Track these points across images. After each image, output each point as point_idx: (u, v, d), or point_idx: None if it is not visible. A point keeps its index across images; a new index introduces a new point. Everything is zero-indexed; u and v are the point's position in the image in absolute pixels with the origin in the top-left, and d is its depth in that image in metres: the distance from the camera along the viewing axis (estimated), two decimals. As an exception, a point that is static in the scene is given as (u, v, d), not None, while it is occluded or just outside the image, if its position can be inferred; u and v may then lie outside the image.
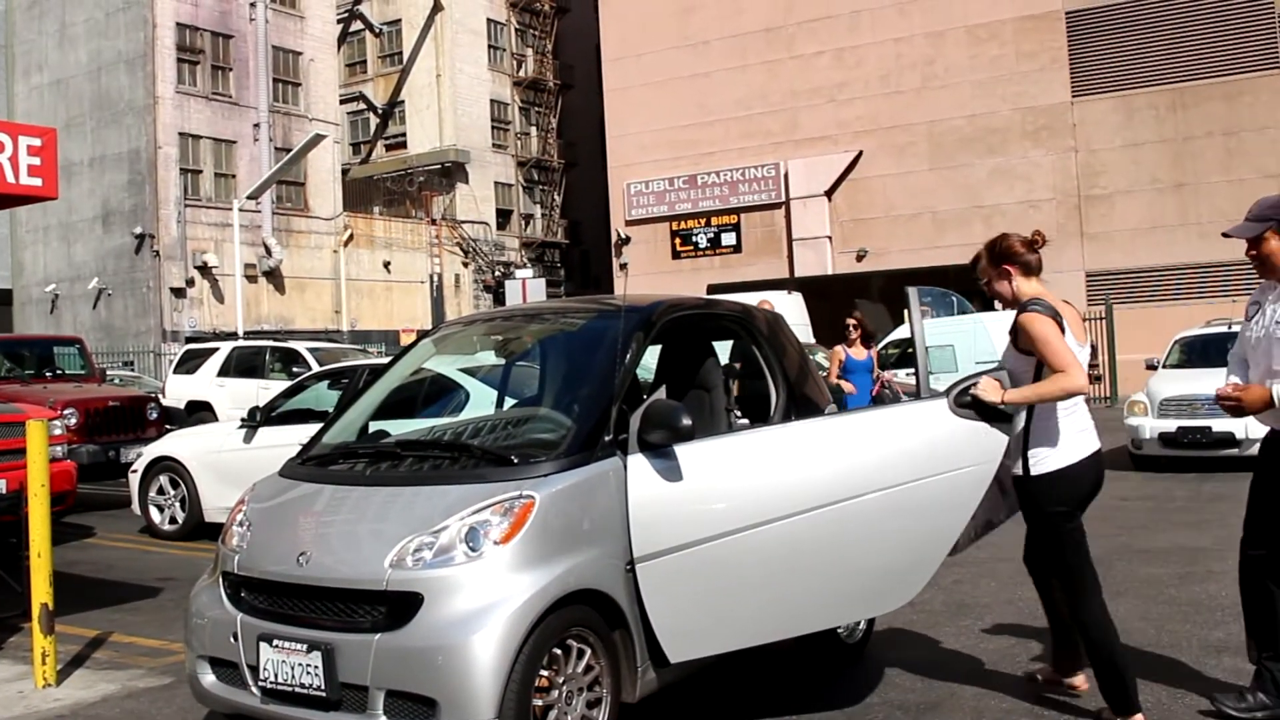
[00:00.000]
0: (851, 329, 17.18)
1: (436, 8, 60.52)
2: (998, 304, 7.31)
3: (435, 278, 57.81)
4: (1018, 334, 6.82)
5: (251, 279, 47.27)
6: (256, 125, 49.58)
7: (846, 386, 16.66)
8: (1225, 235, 7.25)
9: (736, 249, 50.22)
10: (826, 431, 6.93)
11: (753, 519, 6.45)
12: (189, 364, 28.94)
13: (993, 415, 6.70)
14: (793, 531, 6.49)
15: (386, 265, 55.62)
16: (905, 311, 7.20)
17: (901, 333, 27.24)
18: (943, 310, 30.65)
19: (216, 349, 29.21)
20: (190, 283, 46.55)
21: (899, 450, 6.71)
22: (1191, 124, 41.92)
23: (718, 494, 6.53)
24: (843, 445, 6.74)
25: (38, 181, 9.83)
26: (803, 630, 6.86)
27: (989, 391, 6.65)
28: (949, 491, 6.67)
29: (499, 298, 56.00)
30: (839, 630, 8.11)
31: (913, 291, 7.16)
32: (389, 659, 5.70)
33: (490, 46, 64.01)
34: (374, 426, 7.89)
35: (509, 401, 8.56)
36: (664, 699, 6.91)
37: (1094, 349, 34.01)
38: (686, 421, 6.32)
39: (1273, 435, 7.01)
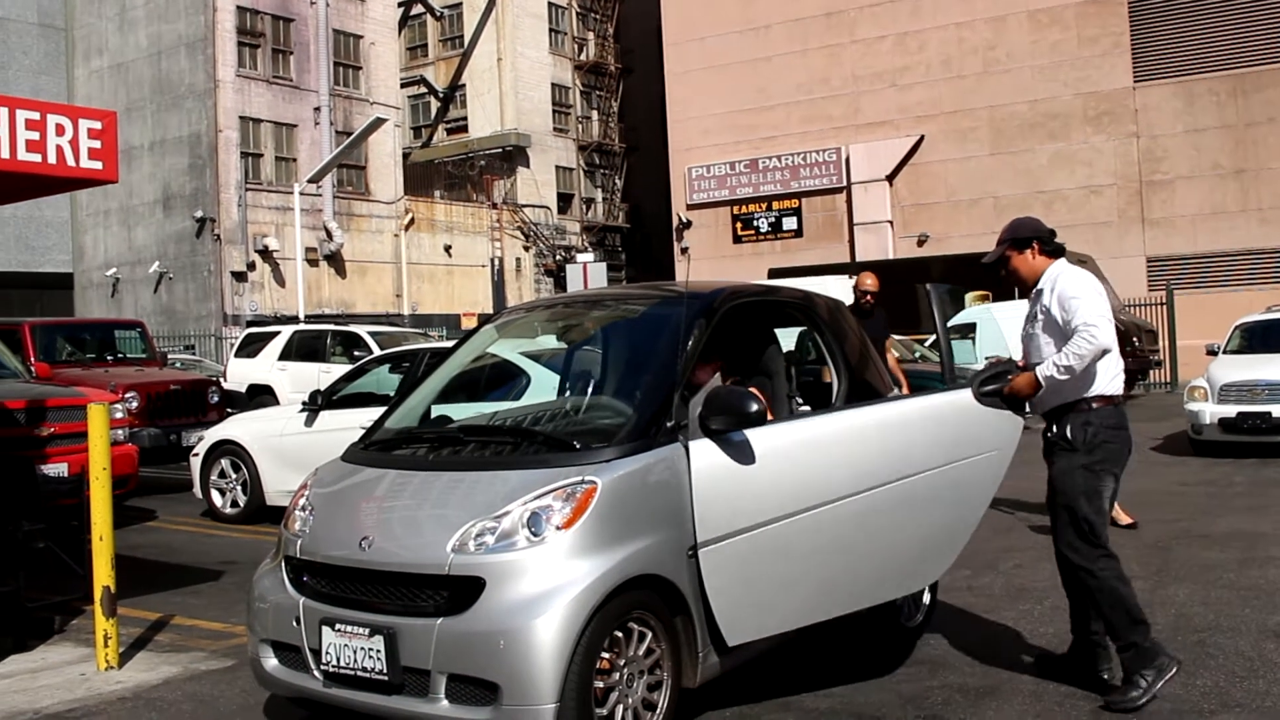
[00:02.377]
0: None
1: (497, -8, 60.47)
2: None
3: (496, 262, 57.90)
4: None
5: (312, 263, 47.42)
6: (317, 109, 49.73)
7: None
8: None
9: (798, 233, 50.05)
10: (879, 417, 7.22)
11: (811, 501, 6.63)
12: (250, 347, 29.10)
13: (1015, 405, 7.34)
14: (847, 513, 6.77)
15: (447, 249, 55.73)
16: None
17: (958, 319, 26.99)
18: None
19: (277, 333, 29.35)
20: (251, 266, 46.77)
21: (941, 435, 7.27)
22: (1253, 110, 41.53)
23: (779, 478, 6.60)
24: (894, 430, 7.14)
25: (98, 165, 9.82)
26: (852, 608, 7.14)
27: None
28: (978, 473, 7.39)
29: (560, 282, 56.01)
30: (898, 611, 8.17)
31: (933, 289, 7.61)
32: (451, 643, 5.73)
33: (551, 30, 63.95)
34: (436, 411, 7.91)
35: (571, 387, 8.56)
36: (722, 679, 6.90)
37: (1154, 334, 33.92)
38: (755, 407, 6.35)
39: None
